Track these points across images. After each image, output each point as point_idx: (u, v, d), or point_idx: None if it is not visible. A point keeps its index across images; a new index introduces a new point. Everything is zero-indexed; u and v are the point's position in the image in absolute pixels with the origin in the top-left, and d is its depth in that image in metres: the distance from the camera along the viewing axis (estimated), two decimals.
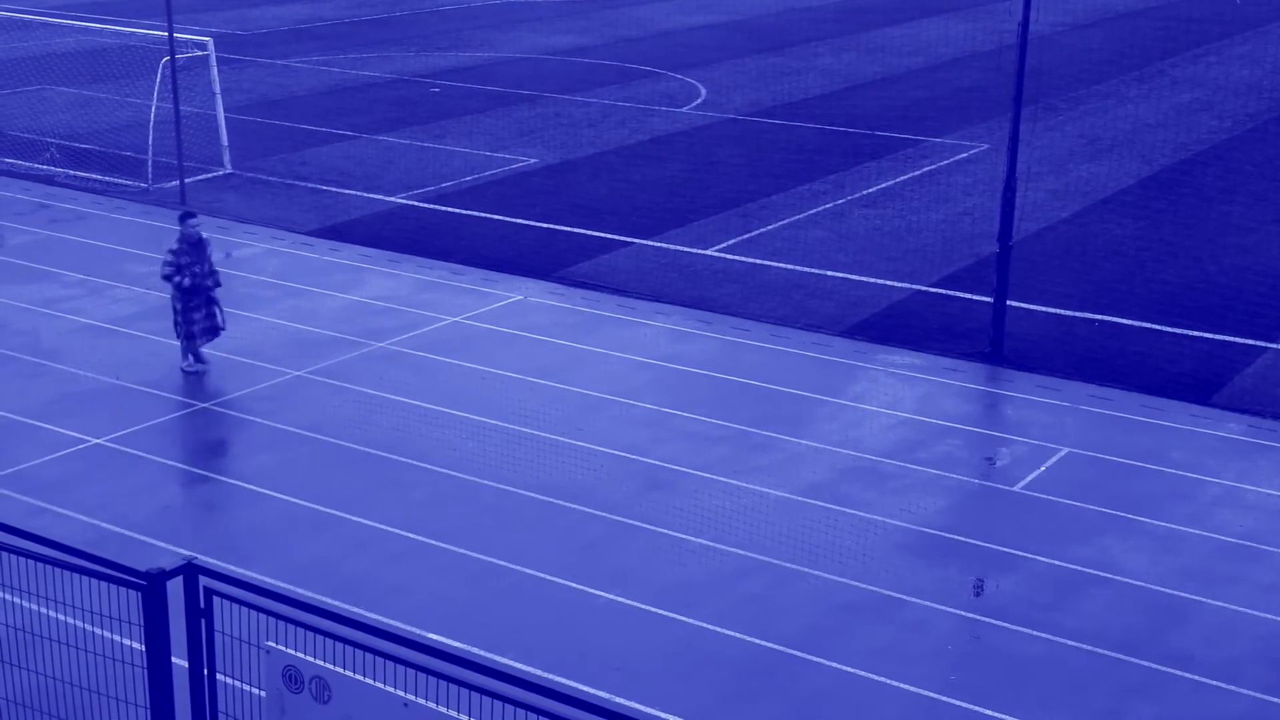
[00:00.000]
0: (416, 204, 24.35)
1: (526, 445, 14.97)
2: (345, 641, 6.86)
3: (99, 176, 25.81)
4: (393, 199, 24.63)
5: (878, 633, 11.61)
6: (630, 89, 34.58)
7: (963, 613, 11.94)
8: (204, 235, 16.71)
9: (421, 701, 6.62)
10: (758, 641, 11.45)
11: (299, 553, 12.72)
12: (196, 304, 16.45)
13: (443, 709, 6.56)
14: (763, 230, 22.79)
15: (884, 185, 25.65)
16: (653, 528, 13.27)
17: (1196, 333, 18.40)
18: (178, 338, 16.72)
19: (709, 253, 21.67)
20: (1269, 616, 11.92)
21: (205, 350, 16.93)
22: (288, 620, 7.04)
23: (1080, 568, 12.63)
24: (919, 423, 15.66)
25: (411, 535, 13.06)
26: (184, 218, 16.53)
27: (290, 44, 41.36)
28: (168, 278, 16.37)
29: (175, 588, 7.15)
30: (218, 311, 16.76)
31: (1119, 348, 17.90)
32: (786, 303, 19.45)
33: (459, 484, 14.10)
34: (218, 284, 16.85)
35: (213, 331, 16.73)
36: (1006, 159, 17.50)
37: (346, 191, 25.10)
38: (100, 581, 7.30)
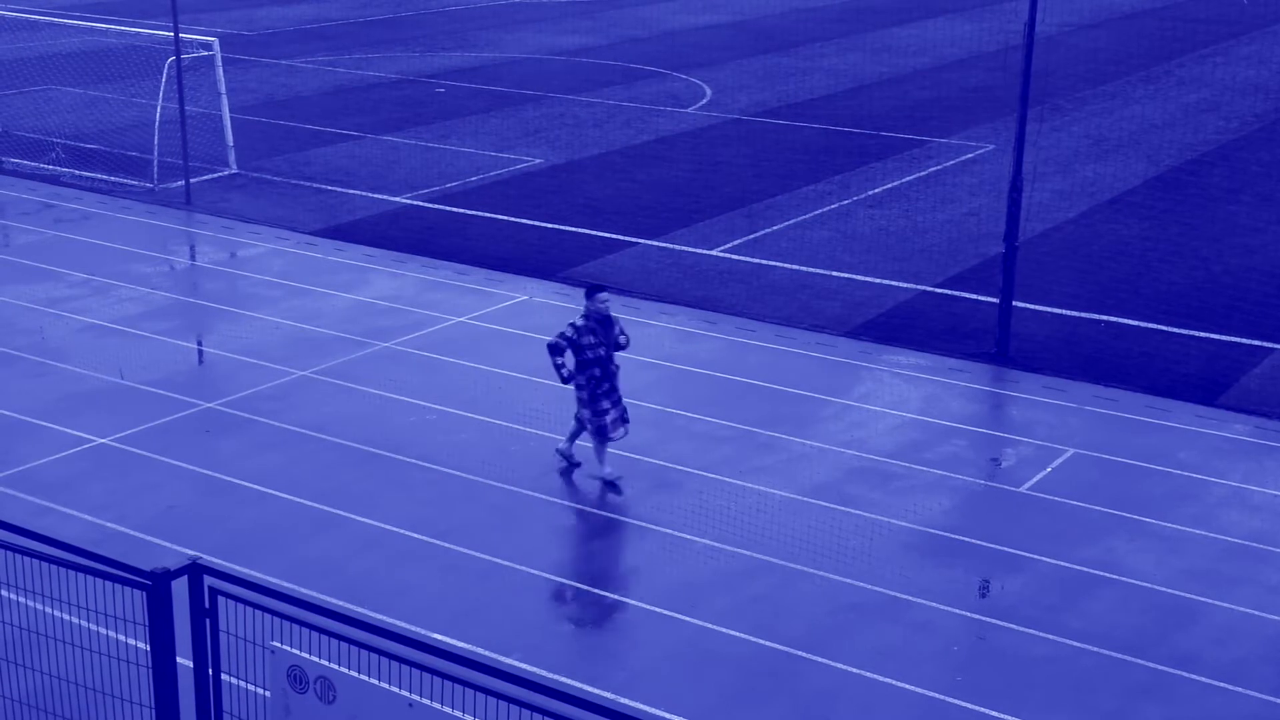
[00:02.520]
0: (421, 204, 24.35)
1: (532, 445, 14.95)
2: (350, 641, 6.84)
3: (104, 176, 25.83)
4: (397, 199, 24.63)
5: (883, 633, 11.59)
6: (635, 89, 34.57)
7: (969, 613, 11.92)
8: (612, 313, 14.19)
9: (426, 702, 6.60)
10: (763, 642, 11.43)
11: (304, 552, 12.72)
12: (604, 390, 13.96)
13: (448, 709, 6.55)
14: (768, 230, 22.77)
15: (889, 186, 25.62)
16: (658, 528, 13.25)
17: (1203, 333, 18.36)
18: (576, 435, 14.34)
19: (714, 253, 21.65)
20: (1276, 618, 11.88)
21: (607, 448, 14.22)
22: (293, 620, 7.03)
23: (1086, 569, 12.61)
24: (924, 423, 15.63)
25: (417, 535, 13.05)
26: (592, 292, 14.02)
27: (295, 44, 41.37)
28: (554, 348, 13.84)
29: (180, 587, 7.14)
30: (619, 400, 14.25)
31: (1125, 348, 17.86)
32: (792, 303, 19.43)
33: (464, 484, 14.09)
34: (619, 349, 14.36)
35: (623, 422, 14.14)
36: (1012, 159, 17.47)
37: (351, 191, 25.10)
38: (105, 581, 7.29)
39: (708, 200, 24.54)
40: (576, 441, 14.42)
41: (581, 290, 19.84)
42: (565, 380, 13.88)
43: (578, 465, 14.32)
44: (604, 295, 14.00)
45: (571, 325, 13.91)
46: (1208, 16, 47.41)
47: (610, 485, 14.02)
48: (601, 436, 14.01)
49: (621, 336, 14.20)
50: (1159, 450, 15.02)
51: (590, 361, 13.87)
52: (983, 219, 23.24)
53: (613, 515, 13.49)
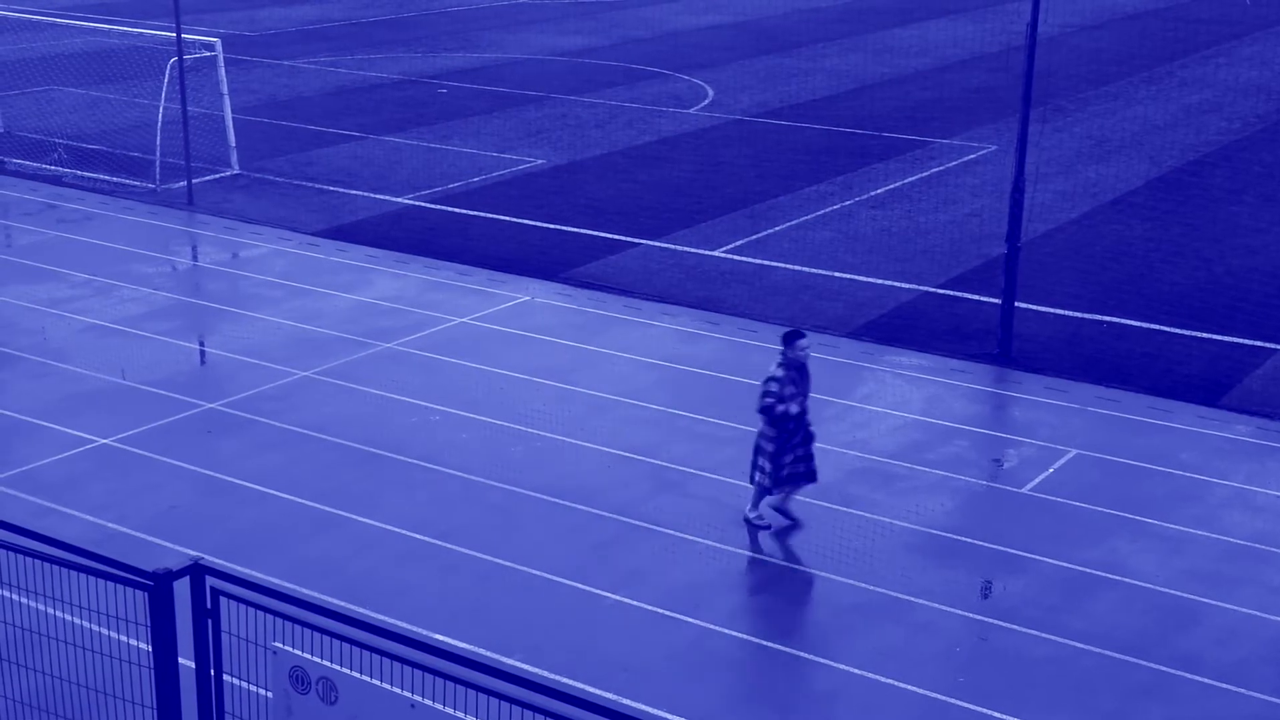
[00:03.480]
0: (423, 204, 24.35)
1: (533, 446, 14.95)
2: (352, 642, 6.84)
3: (106, 177, 25.84)
4: (400, 199, 24.63)
5: (885, 634, 11.58)
6: (637, 90, 34.57)
7: (970, 614, 11.91)
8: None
9: (428, 703, 6.60)
10: (765, 643, 11.42)
11: (306, 553, 12.71)
12: (795, 442, 13.05)
13: (449, 710, 6.54)
14: (770, 231, 22.77)
15: (891, 186, 25.61)
16: (660, 529, 13.25)
17: (1205, 334, 18.35)
18: (754, 481, 13.23)
19: (716, 254, 21.65)
20: (1277, 619, 11.87)
21: (792, 503, 13.43)
22: (294, 621, 7.03)
23: (1088, 569, 12.60)
24: (927, 424, 15.63)
25: (418, 536, 13.05)
26: (791, 338, 13.01)
27: (298, 45, 41.38)
28: (768, 409, 12.90)
29: (182, 588, 7.13)
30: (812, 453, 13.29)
31: (1127, 349, 17.85)
32: (794, 304, 19.42)
33: (466, 484, 14.09)
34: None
35: (807, 477, 13.22)
36: (1015, 160, 17.46)
37: (353, 192, 25.11)
38: (107, 581, 7.28)
39: (710, 201, 24.54)
40: (792, 496, 13.33)
41: (587, 290, 19.95)
42: (769, 410, 12.84)
43: (768, 528, 13.19)
44: (804, 342, 12.95)
45: (774, 380, 12.86)
46: (1210, 17, 47.39)
47: (751, 525, 13.21)
48: (775, 489, 13.12)
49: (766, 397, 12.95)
50: (1161, 451, 15.01)
51: (786, 416, 12.92)
52: (985, 220, 23.23)
53: (614, 516, 13.48)
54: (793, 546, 12.95)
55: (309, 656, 6.95)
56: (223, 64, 26.65)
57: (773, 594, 12.16)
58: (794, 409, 12.84)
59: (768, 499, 13.29)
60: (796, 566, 12.59)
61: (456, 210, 23.96)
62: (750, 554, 12.81)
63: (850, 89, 34.77)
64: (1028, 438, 15.35)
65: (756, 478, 13.15)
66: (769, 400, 12.82)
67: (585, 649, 11.31)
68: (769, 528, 13.17)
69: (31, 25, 36.04)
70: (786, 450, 12.98)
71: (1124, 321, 18.81)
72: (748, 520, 13.27)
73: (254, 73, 36.45)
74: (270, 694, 7.19)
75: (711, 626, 11.64)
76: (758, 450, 13.13)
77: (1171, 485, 14.28)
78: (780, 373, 12.89)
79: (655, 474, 14.35)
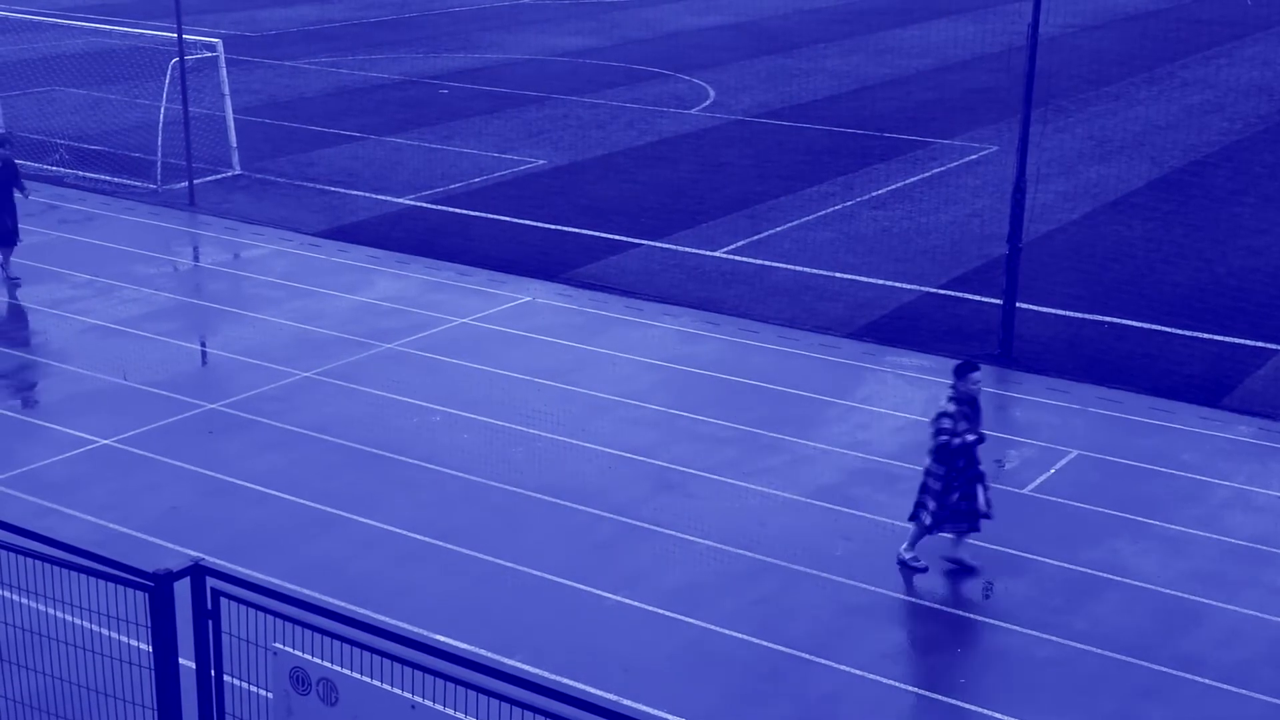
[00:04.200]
0: (425, 205, 24.35)
1: (534, 446, 14.95)
2: (353, 643, 6.83)
3: (108, 177, 25.84)
4: (401, 200, 24.63)
5: (887, 635, 11.57)
6: (638, 90, 34.57)
7: (973, 615, 11.89)
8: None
9: (429, 704, 6.59)
10: (766, 644, 11.41)
11: (306, 554, 12.71)
12: (962, 481, 12.37)
13: (450, 711, 6.53)
14: (771, 232, 22.76)
15: (892, 187, 25.60)
16: (661, 529, 13.24)
17: (1206, 335, 18.33)
18: (914, 519, 12.53)
19: (717, 254, 21.64)
20: None
21: (963, 549, 12.68)
22: (295, 622, 7.02)
23: (1090, 570, 12.59)
24: (928, 425, 15.58)
25: (419, 536, 13.04)
26: (964, 370, 12.35)
27: (299, 45, 41.39)
28: (942, 448, 12.26)
29: (182, 589, 7.13)
30: (980, 491, 12.46)
31: (1128, 350, 17.84)
32: (795, 304, 19.42)
33: (467, 485, 14.08)
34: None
35: (970, 517, 12.47)
36: (1016, 160, 17.45)
37: (354, 193, 25.11)
38: (107, 582, 7.28)
39: (711, 201, 24.53)
40: (962, 541, 12.60)
41: (588, 291, 19.94)
42: (943, 448, 12.20)
43: (973, 568, 12.52)
44: (977, 375, 12.34)
45: (946, 416, 12.22)
46: (1211, 18, 47.37)
47: (906, 566, 12.52)
48: (935, 529, 12.43)
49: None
50: (1162, 452, 15.00)
51: (957, 450, 12.26)
52: (986, 220, 23.22)
53: (615, 517, 13.47)
54: (963, 591, 12.29)
55: (309, 657, 6.95)
56: (224, 64, 26.65)
57: (773, 595, 12.15)
58: (961, 440, 12.16)
59: (949, 554, 12.57)
60: (797, 567, 12.57)
61: (458, 211, 23.95)
62: (751, 554, 12.78)
63: (851, 89, 34.77)
64: (1029, 438, 15.34)
65: (920, 515, 12.43)
66: (943, 438, 12.16)
67: (586, 649, 11.30)
68: (925, 569, 12.46)
69: (33, 26, 36.05)
70: (953, 487, 12.32)
71: (1125, 322, 18.79)
72: (903, 561, 12.55)
73: (255, 73, 36.45)
74: (271, 695, 7.19)
75: (712, 627, 11.63)
76: (924, 489, 12.43)
77: (1173, 486, 14.27)
78: (952, 408, 12.26)
79: (656, 475, 14.34)
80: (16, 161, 20.94)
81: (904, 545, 12.60)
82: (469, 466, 14.46)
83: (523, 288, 20.07)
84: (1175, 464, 14.72)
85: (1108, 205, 24.47)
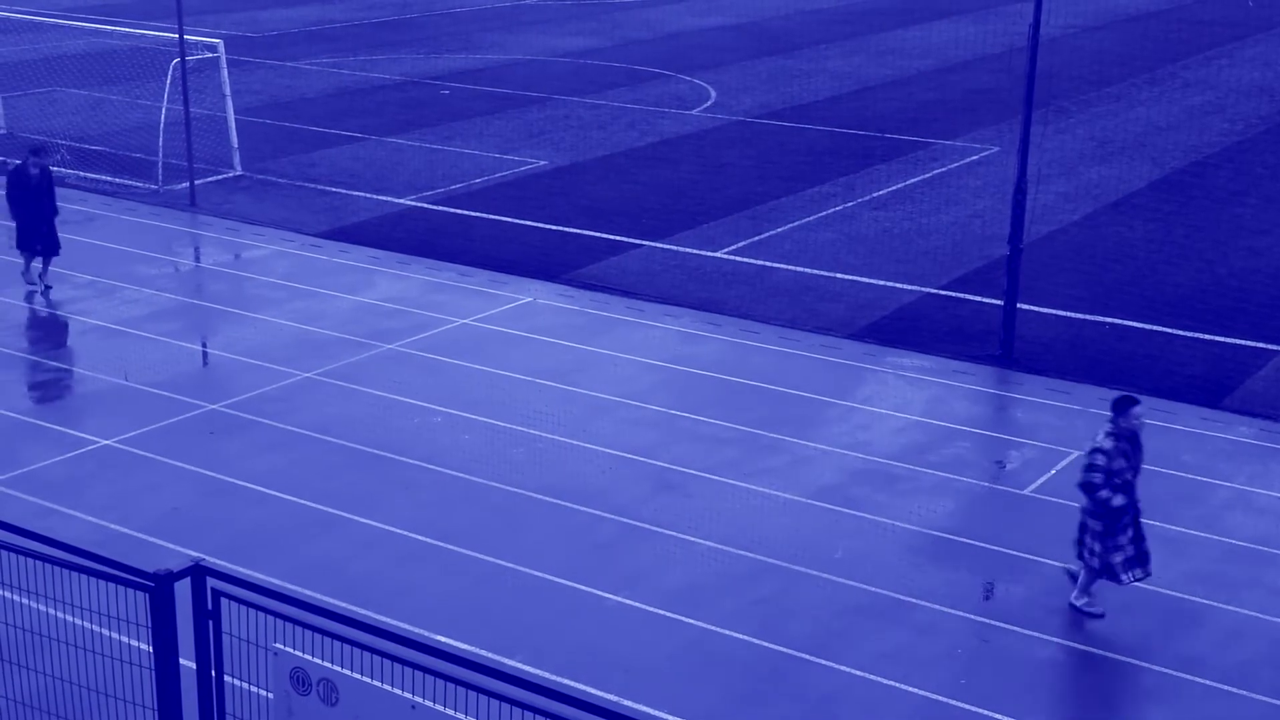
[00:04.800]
0: (426, 206, 24.35)
1: (535, 447, 14.95)
2: (353, 643, 6.84)
3: (109, 178, 25.84)
4: (402, 201, 24.63)
5: (887, 636, 11.57)
6: (639, 91, 34.57)
7: (973, 616, 11.89)
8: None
9: (429, 704, 6.59)
10: (767, 644, 11.41)
11: (307, 554, 12.71)
12: (1125, 523, 11.58)
13: (450, 711, 6.54)
14: (772, 232, 22.76)
15: (894, 188, 25.60)
16: (662, 530, 13.24)
17: (1207, 336, 18.33)
18: (1081, 558, 11.77)
19: (718, 255, 21.64)
20: None
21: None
22: (295, 622, 7.02)
23: None
24: (929, 425, 15.61)
25: (419, 537, 13.04)
26: (1125, 405, 11.58)
27: (300, 46, 41.40)
28: (1088, 486, 11.47)
29: (183, 589, 7.13)
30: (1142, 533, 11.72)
31: (1129, 351, 17.84)
32: (796, 305, 19.41)
33: (467, 485, 14.08)
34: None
35: (1141, 560, 11.67)
36: (1017, 161, 17.45)
37: (356, 193, 25.11)
38: (108, 583, 7.28)
39: (712, 202, 24.53)
40: (1091, 587, 11.87)
41: (589, 291, 19.94)
42: (1102, 503, 11.46)
43: (1101, 616, 11.83)
44: (1139, 409, 11.60)
45: (1100, 452, 11.44)
46: (1212, 18, 47.36)
47: (1079, 612, 11.84)
48: (1110, 577, 11.65)
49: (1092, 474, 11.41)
50: (1163, 453, 14.98)
51: (1116, 489, 11.47)
52: (987, 221, 23.22)
53: (615, 517, 13.47)
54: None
55: (310, 658, 6.95)
56: (225, 65, 26.66)
57: (774, 595, 12.15)
58: (1118, 500, 11.39)
59: (1076, 601, 11.87)
60: (798, 568, 12.57)
61: (459, 211, 23.96)
62: (752, 555, 12.78)
63: (853, 90, 34.77)
64: (1030, 439, 15.33)
65: (1085, 556, 11.70)
66: (1095, 476, 11.38)
67: (586, 650, 11.30)
68: (1102, 615, 11.77)
69: (34, 26, 36.05)
70: (1119, 530, 11.51)
71: (1126, 323, 18.79)
72: (1074, 607, 11.85)
73: (256, 74, 36.46)
74: (271, 695, 7.19)
75: (712, 627, 11.63)
76: (1084, 528, 11.71)
77: (1174, 487, 14.26)
78: (1109, 444, 11.44)
79: (656, 475, 14.34)
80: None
81: (1074, 592, 11.87)
82: (470, 467, 14.46)
83: (524, 288, 20.07)
84: (1176, 465, 14.72)
85: (1109, 206, 24.46)
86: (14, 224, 19.78)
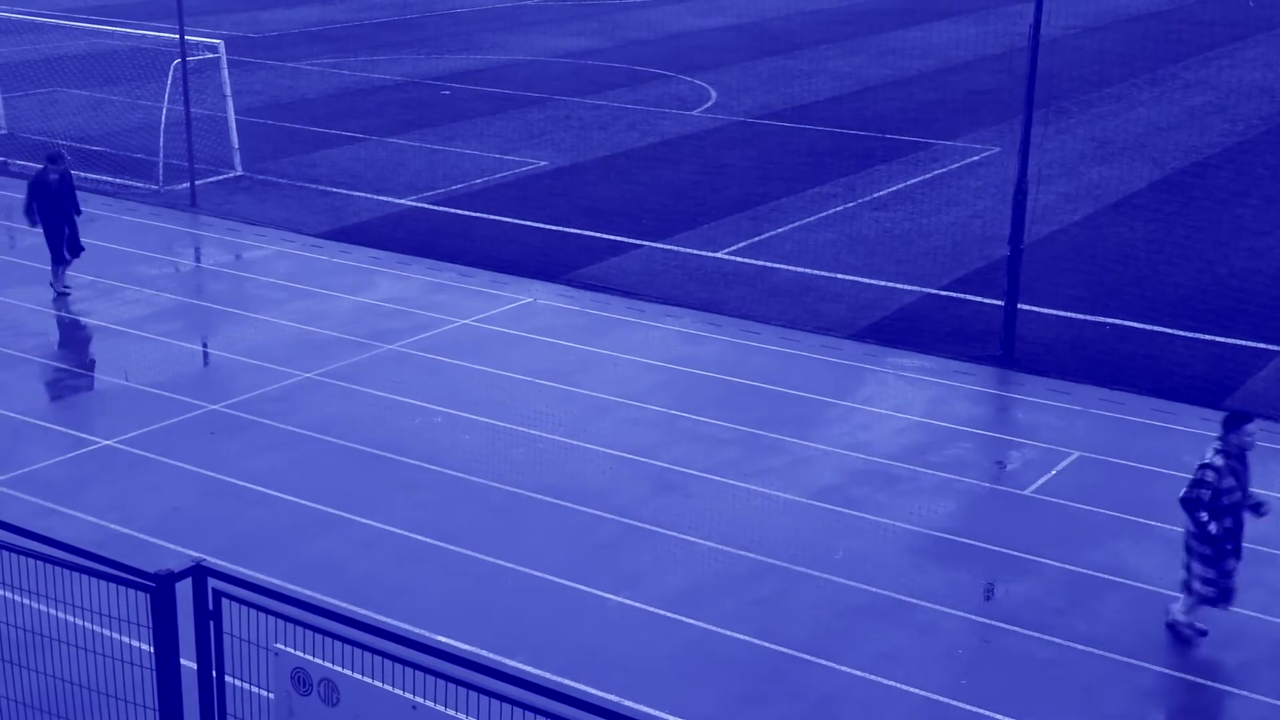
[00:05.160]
0: (426, 206, 24.35)
1: (535, 447, 14.95)
2: (353, 644, 6.84)
3: (109, 178, 25.85)
4: (403, 201, 24.64)
5: (888, 636, 11.57)
6: (640, 92, 34.57)
7: (974, 616, 11.89)
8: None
9: (430, 704, 6.59)
10: (767, 645, 11.41)
11: (307, 554, 12.71)
12: (1233, 547, 11.13)
13: (451, 711, 6.54)
14: (773, 233, 22.76)
15: (894, 188, 25.60)
16: (662, 530, 13.24)
17: (1208, 336, 18.33)
18: (1186, 589, 11.35)
19: (719, 255, 21.64)
20: None
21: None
22: (296, 622, 7.02)
23: (1092, 572, 12.58)
24: (929, 426, 15.61)
25: (420, 537, 13.04)
26: (1237, 422, 11.12)
27: (301, 46, 41.41)
28: (1190, 503, 11.03)
29: (184, 589, 7.14)
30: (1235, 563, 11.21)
31: (1130, 351, 17.83)
32: (796, 305, 19.41)
33: (468, 485, 14.08)
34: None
35: (1226, 596, 11.23)
36: (1018, 162, 17.45)
37: (356, 194, 25.11)
38: (108, 583, 7.29)
39: (712, 203, 24.53)
40: (1192, 606, 11.42)
41: (590, 292, 19.94)
42: (1201, 526, 11.00)
43: (1204, 633, 11.45)
44: (1252, 426, 11.11)
45: (1210, 468, 10.96)
46: (1213, 19, 47.36)
47: (1176, 629, 11.47)
48: (1223, 603, 11.21)
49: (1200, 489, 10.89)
50: (1164, 453, 14.99)
51: (1224, 509, 10.98)
52: (988, 221, 23.22)
53: (616, 518, 13.47)
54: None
55: (311, 658, 6.95)
56: (226, 65, 26.66)
57: (774, 595, 12.14)
58: (1214, 528, 10.97)
59: (1179, 618, 11.48)
60: (798, 568, 12.57)
61: (459, 212, 23.96)
62: (752, 555, 12.78)
63: (853, 91, 34.77)
64: (1030, 440, 15.33)
65: (1192, 585, 11.27)
66: (1203, 493, 10.91)
67: (586, 650, 11.30)
68: (1205, 633, 11.40)
69: (35, 27, 36.06)
70: (1226, 555, 11.06)
71: (1127, 323, 18.79)
72: (1174, 624, 11.46)
73: (257, 74, 36.46)
74: (272, 695, 7.19)
75: (712, 628, 11.63)
76: (1189, 550, 11.25)
77: (1175, 487, 14.15)
78: (1219, 461, 10.97)
79: (657, 475, 14.34)
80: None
81: (1180, 607, 11.44)
82: (470, 467, 14.46)
83: (524, 289, 20.07)
84: (1177, 465, 14.69)
85: (1109, 206, 24.46)
86: (41, 233, 19.83)
